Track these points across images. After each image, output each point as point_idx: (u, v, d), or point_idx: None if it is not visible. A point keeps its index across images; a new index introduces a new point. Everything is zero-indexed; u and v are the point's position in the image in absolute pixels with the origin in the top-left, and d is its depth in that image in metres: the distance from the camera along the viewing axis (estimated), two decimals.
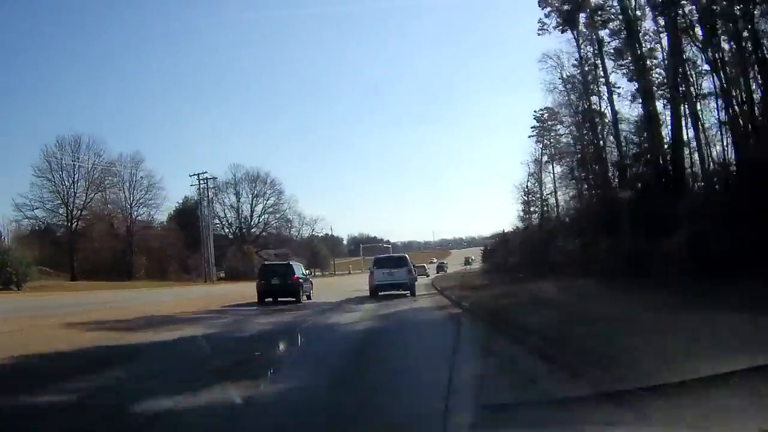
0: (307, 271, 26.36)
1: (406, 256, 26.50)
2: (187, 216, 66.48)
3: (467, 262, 79.70)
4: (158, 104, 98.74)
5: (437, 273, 68.36)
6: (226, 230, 77.37)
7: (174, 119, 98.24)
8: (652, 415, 4.24)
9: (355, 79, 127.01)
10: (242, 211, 76.66)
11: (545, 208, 43.41)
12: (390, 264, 24.31)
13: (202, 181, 62.85)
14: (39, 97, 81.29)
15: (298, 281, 22.61)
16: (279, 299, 22.12)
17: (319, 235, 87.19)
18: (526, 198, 45.26)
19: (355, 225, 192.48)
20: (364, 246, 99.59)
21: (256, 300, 22.08)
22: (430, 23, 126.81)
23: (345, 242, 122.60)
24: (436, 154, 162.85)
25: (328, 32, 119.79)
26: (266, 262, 26.44)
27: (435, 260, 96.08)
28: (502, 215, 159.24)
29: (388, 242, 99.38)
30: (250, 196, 76.65)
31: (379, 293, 22.69)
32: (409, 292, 23.20)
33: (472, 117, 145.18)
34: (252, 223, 77.55)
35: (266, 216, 77.02)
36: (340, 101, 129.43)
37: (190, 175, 63.07)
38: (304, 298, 23.17)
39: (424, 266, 66.87)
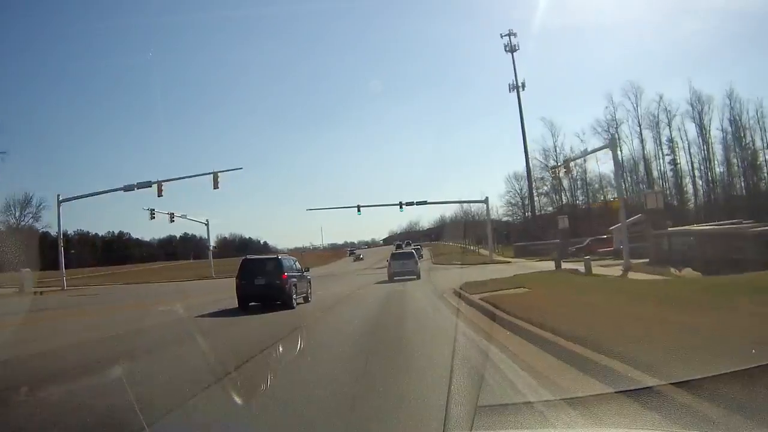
0: (305, 267, 20.95)
1: (413, 251, 37.95)
2: None
3: None
4: None
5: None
6: None
7: None
8: None
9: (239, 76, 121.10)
10: None
11: None
12: (403, 257, 35.15)
13: None
14: None
15: (289, 281, 17.95)
16: (273, 303, 17.45)
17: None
18: None
19: (235, 228, 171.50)
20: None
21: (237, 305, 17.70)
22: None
23: (213, 244, 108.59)
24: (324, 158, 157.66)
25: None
26: (248, 256, 19.64)
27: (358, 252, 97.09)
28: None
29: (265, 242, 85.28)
30: None
31: (395, 278, 31.98)
32: (416, 276, 32.06)
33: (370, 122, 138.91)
34: None
35: None
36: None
37: None
38: (300, 300, 19.01)
39: (419, 249, 69.73)
